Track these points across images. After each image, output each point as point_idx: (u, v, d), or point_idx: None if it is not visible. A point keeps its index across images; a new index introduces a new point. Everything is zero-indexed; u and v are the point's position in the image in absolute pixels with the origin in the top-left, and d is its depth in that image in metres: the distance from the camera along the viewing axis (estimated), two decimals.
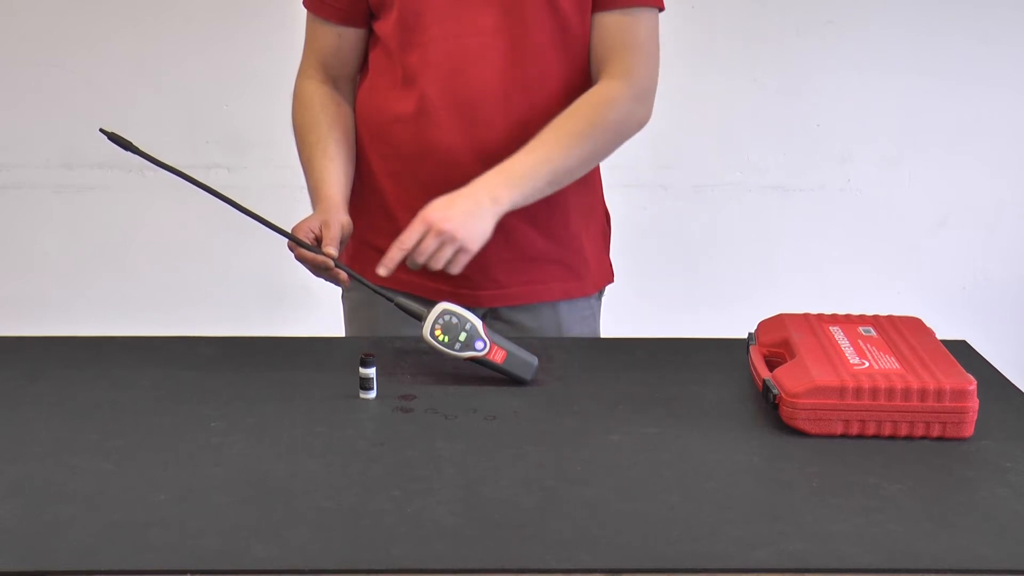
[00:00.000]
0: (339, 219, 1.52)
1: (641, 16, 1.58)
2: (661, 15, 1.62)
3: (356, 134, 1.69)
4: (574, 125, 1.54)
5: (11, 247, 2.98)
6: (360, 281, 1.47)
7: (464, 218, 1.45)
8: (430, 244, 1.44)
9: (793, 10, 2.90)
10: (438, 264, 1.45)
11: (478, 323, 1.43)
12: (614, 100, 1.56)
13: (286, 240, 1.51)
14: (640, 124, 1.61)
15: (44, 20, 2.84)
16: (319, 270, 1.52)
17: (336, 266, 1.48)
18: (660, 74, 1.63)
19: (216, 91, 2.87)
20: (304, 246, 1.48)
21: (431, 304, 1.44)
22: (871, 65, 2.93)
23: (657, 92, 1.63)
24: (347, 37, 1.64)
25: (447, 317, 1.42)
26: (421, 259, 1.45)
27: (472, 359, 1.42)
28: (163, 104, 2.86)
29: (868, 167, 3.00)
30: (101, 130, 1.40)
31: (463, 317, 1.42)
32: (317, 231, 1.52)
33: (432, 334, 1.42)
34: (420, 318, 1.43)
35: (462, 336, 1.42)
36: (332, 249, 1.49)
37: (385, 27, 1.59)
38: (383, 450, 1.24)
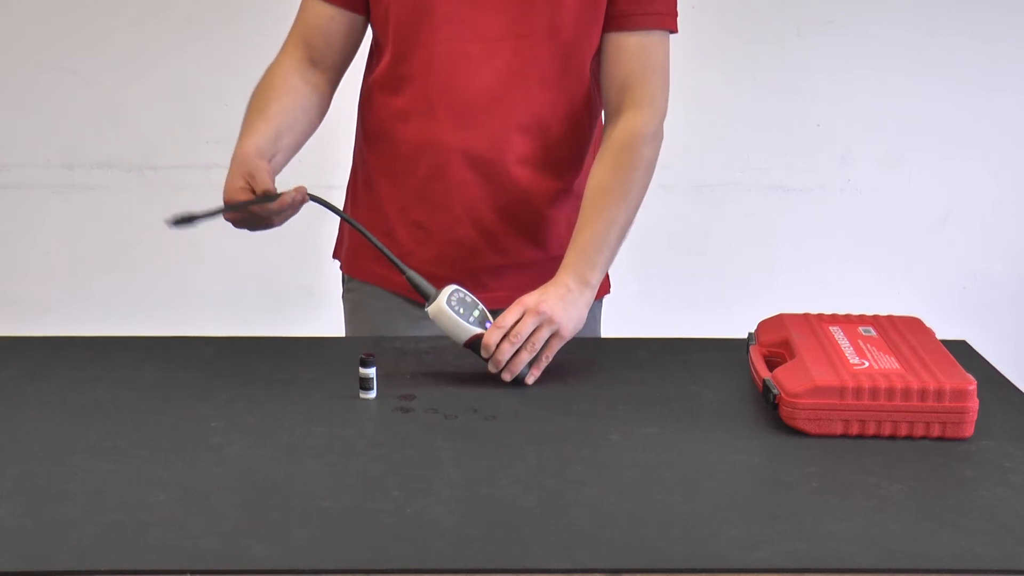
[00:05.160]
0: (260, 164, 1.44)
1: (661, 38, 1.58)
2: None
3: (355, 133, 1.69)
4: (619, 175, 1.55)
5: (11, 247, 2.98)
6: (365, 235, 1.45)
7: (558, 303, 1.46)
8: (527, 324, 1.43)
9: (793, 10, 2.90)
10: (535, 347, 1.44)
11: (486, 310, 1.46)
12: (646, 135, 1.56)
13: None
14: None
15: (44, 20, 2.84)
16: (265, 219, 1.43)
17: (312, 198, 1.41)
18: None
19: (216, 91, 2.87)
20: (258, 202, 1.40)
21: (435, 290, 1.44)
22: (871, 65, 2.93)
23: None
24: (339, 21, 1.60)
25: (460, 295, 1.45)
26: (517, 340, 1.43)
27: (477, 337, 1.43)
28: (163, 104, 2.86)
29: (868, 167, 3.00)
30: (168, 222, 1.36)
31: (475, 299, 1.45)
32: (246, 184, 1.44)
33: (448, 303, 1.43)
34: (428, 297, 1.44)
35: (476, 312, 1.44)
36: (276, 188, 1.41)
37: (390, 26, 1.58)
38: (383, 450, 1.24)
